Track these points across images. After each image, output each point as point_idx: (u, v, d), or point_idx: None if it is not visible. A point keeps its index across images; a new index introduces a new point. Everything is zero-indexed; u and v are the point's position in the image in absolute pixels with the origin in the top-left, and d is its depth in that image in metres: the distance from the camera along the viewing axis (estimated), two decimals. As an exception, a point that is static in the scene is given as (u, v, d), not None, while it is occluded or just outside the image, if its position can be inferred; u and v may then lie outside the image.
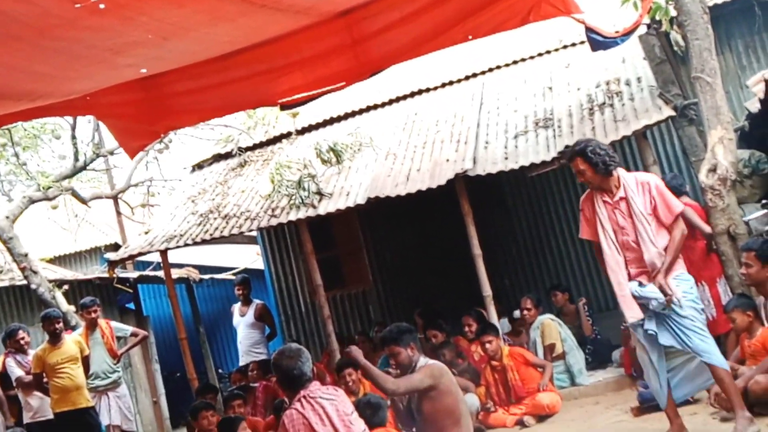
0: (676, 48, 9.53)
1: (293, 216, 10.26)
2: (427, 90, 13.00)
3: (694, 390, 6.31)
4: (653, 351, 5.92)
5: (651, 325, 5.80)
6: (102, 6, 4.11)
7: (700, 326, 5.71)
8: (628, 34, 7.23)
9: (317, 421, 4.81)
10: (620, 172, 6.03)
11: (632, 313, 5.92)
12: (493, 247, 10.82)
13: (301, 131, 13.25)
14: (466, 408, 6.20)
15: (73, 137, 13.90)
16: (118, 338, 10.51)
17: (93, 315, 10.04)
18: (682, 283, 5.79)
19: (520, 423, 8.51)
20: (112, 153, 15.03)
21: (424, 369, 5.86)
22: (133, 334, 10.69)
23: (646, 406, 7.29)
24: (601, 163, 5.91)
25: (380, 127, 12.06)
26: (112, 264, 11.71)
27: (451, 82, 12.89)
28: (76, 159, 13.99)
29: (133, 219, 16.66)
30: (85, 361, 9.46)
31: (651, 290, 5.76)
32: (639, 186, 5.95)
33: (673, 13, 8.68)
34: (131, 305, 14.28)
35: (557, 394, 8.80)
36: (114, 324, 10.54)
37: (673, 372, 6.01)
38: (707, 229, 7.85)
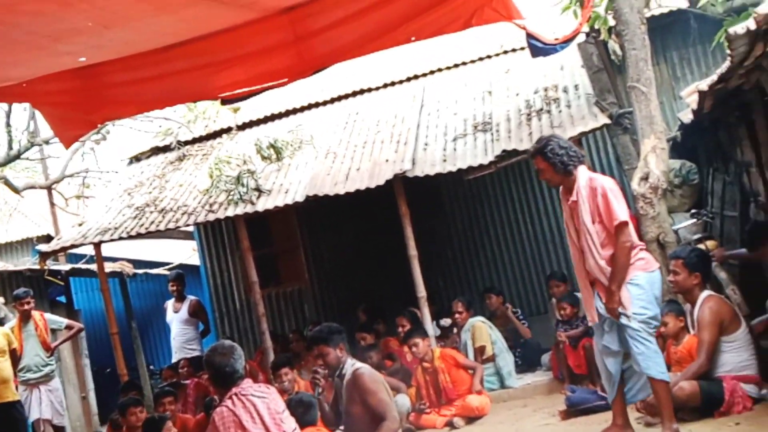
0: (613, 57, 9.73)
1: (231, 212, 10.21)
2: (369, 90, 13.03)
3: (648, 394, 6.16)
4: (607, 354, 6.00)
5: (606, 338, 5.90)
6: (42, -9, 4.07)
7: (644, 336, 5.63)
8: (567, 41, 7.36)
9: (248, 418, 4.81)
10: (579, 172, 5.88)
11: (589, 316, 6.02)
12: (428, 249, 10.88)
13: (242, 127, 13.19)
14: (395, 406, 6.26)
15: (8, 125, 13.66)
16: (53, 331, 10.34)
17: (26, 306, 9.87)
18: (633, 289, 5.66)
19: (450, 424, 8.57)
20: (47, 142, 14.79)
21: (369, 378, 5.91)
22: (68, 327, 10.52)
23: (574, 409, 7.44)
24: (559, 163, 5.85)
25: (321, 126, 12.07)
26: (44, 255, 11.49)
27: (392, 83, 12.94)
28: (10, 147, 13.75)
29: (67, 210, 16.41)
30: (13, 354, 9.30)
31: (600, 305, 5.83)
32: (589, 191, 5.80)
33: (611, 22, 8.86)
34: (62, 298, 14.05)
35: (486, 396, 8.89)
36: (48, 316, 10.38)
37: (630, 371, 6.00)
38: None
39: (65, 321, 10.63)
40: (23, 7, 4.26)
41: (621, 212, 5.67)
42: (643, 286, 5.69)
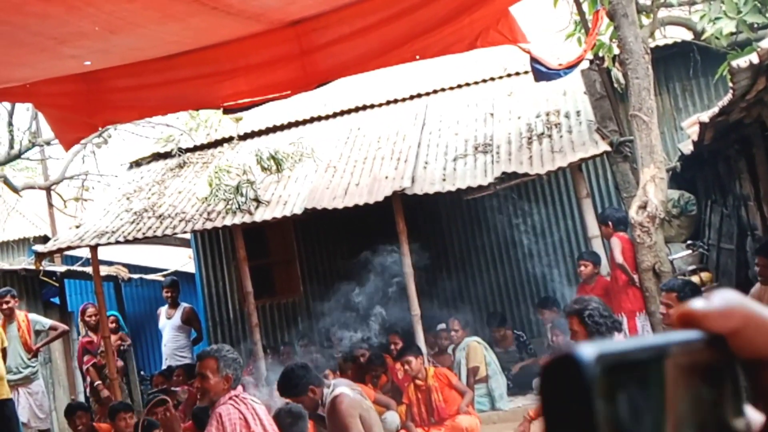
0: (616, 85, 9.77)
1: (229, 221, 10.21)
2: (372, 106, 13.09)
3: None
4: None
5: None
6: (50, -7, 4.09)
7: None
8: (571, 67, 7.42)
9: (251, 419, 4.91)
10: None
11: None
12: (424, 267, 10.88)
13: (243, 137, 13.23)
14: (379, 426, 6.28)
15: (10, 124, 13.68)
16: (37, 332, 10.26)
17: (5, 306, 9.78)
18: None
19: (438, 443, 8.58)
20: (48, 143, 14.82)
21: (344, 410, 5.92)
22: (52, 328, 10.42)
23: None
24: (596, 332, 5.64)
25: (322, 139, 12.10)
26: (40, 256, 11.48)
27: (395, 101, 13.00)
28: (11, 146, 13.77)
29: (65, 212, 16.40)
30: (3, 353, 9.27)
31: None
32: None
33: (616, 51, 8.90)
34: (56, 300, 14.03)
35: (476, 417, 8.89)
36: (32, 317, 10.27)
37: None
38: (619, 259, 8.12)
39: (50, 322, 10.50)
40: (30, 8, 4.29)
41: None
42: None
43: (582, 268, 9.01)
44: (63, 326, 10.74)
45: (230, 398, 4.98)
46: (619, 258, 8.20)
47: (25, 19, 4.50)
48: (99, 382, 10.91)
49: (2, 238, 17.34)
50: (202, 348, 11.75)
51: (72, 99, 7.09)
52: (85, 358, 11.35)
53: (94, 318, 10.97)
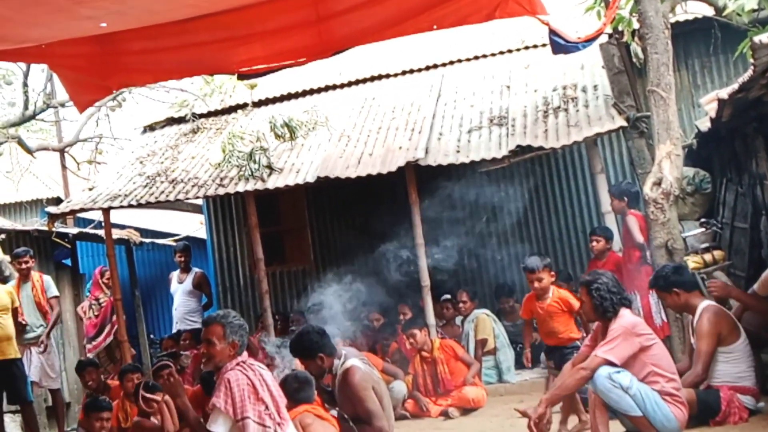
0: (634, 60, 9.67)
1: (241, 187, 10.21)
2: (387, 76, 13.00)
3: None
4: None
5: None
6: (67, -47, 4.06)
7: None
8: (590, 40, 7.32)
9: (258, 385, 4.96)
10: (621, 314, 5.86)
11: None
12: (435, 238, 10.86)
13: (258, 103, 13.19)
14: (388, 397, 6.33)
15: (25, 85, 13.68)
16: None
17: (24, 266, 9.86)
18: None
19: (445, 414, 8.62)
20: (63, 105, 14.81)
21: (357, 383, 5.97)
22: (54, 298, 10.28)
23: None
24: (600, 306, 5.87)
25: (337, 108, 12.05)
26: (52, 217, 11.51)
27: (411, 71, 12.90)
28: (26, 107, 13.78)
29: (78, 174, 16.44)
30: (15, 313, 9.33)
31: None
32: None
33: (635, 25, 8.81)
34: (68, 261, 14.10)
35: (483, 388, 8.92)
36: (46, 279, 10.33)
37: None
38: (640, 238, 8.08)
39: (55, 292, 10.36)
40: (47, -33, 4.26)
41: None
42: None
43: (594, 243, 8.98)
44: (57, 310, 10.55)
45: (237, 364, 5.02)
46: (639, 237, 8.13)
47: (42, -21, 4.48)
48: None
49: (15, 199, 17.41)
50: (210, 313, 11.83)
51: (87, 60, 7.06)
52: (88, 347, 11.47)
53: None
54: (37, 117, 14.47)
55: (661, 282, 6.65)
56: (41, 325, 9.99)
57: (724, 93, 6.72)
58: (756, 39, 5.15)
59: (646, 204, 7.80)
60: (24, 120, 14.03)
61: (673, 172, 7.61)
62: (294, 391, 5.91)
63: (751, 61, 5.50)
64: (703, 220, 9.26)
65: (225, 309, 12.85)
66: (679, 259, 7.49)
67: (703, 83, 11.23)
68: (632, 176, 10.26)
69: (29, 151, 14.46)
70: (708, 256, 8.43)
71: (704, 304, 6.46)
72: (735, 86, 6.29)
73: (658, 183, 7.64)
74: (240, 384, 4.89)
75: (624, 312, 5.84)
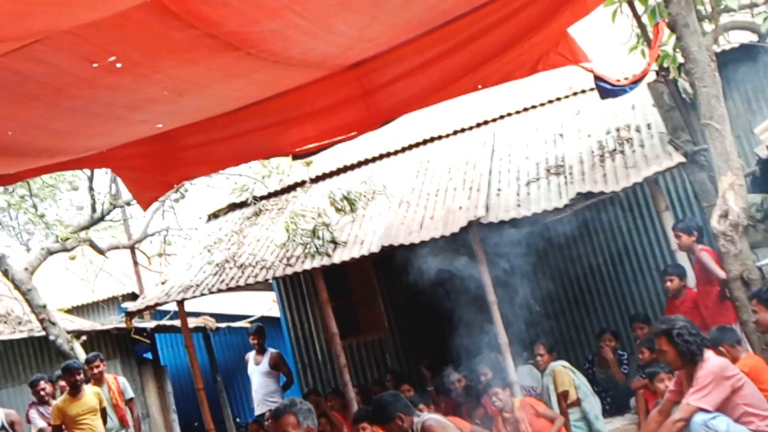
0: (684, 95, 9.60)
1: (308, 265, 10.31)
2: (439, 137, 13.09)
3: None
4: None
5: None
6: (119, 65, 4.22)
7: None
8: (636, 82, 7.32)
9: None
10: (707, 357, 5.73)
11: None
12: (508, 294, 10.79)
13: (315, 179, 13.36)
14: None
15: (91, 188, 14.08)
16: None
17: (95, 370, 9.96)
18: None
19: (537, 472, 8.47)
20: (128, 203, 15.20)
21: (434, 428, 5.90)
22: (131, 401, 10.34)
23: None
24: (687, 352, 5.74)
25: (393, 175, 12.15)
26: (130, 314, 11.77)
27: (462, 130, 12.97)
28: (93, 210, 14.16)
29: (150, 268, 16.77)
30: (104, 413, 9.47)
31: None
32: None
33: (680, 60, 8.77)
34: (149, 355, 14.34)
35: (574, 442, 8.76)
36: (122, 381, 10.41)
37: None
38: (722, 274, 7.85)
39: (131, 394, 10.44)
40: (100, 81, 4.43)
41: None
42: None
43: (668, 283, 8.82)
44: (137, 410, 10.54)
45: None
46: (720, 272, 7.94)
47: (96, 92, 4.65)
48: None
49: (93, 299, 17.81)
50: (294, 392, 11.87)
51: (146, 160, 7.28)
52: None
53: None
54: (105, 218, 14.86)
55: (766, 295, 6.49)
56: (123, 428, 10.05)
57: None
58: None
59: (715, 237, 7.66)
60: (93, 222, 14.41)
61: (738, 202, 7.48)
62: None
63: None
64: (777, 246, 9.05)
65: (309, 386, 12.97)
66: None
67: (759, 108, 11.06)
68: (699, 210, 10.10)
69: (101, 251, 14.82)
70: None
71: (796, 327, 6.31)
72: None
73: (724, 215, 7.51)
74: None
75: (709, 355, 5.71)
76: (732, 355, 6.67)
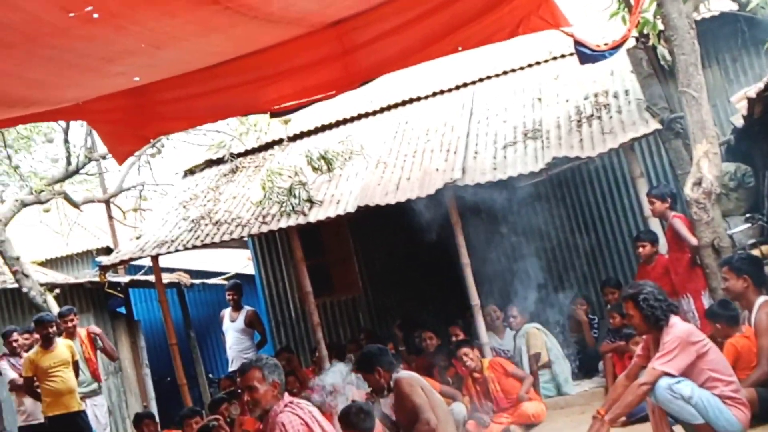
0: (663, 62, 9.63)
1: (284, 223, 10.32)
2: (418, 99, 13.08)
3: None
4: None
5: None
6: (96, 15, 4.17)
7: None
8: (616, 47, 7.30)
9: (311, 422, 4.97)
10: (672, 323, 5.72)
11: None
12: (480, 256, 10.85)
13: (293, 138, 13.32)
14: (452, 420, 6.33)
15: (66, 141, 13.96)
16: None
17: (69, 324, 9.97)
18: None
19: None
20: (104, 157, 15.09)
21: (404, 384, 6.02)
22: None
23: (633, 419, 7.35)
24: (651, 315, 5.74)
25: (371, 136, 12.14)
26: (104, 269, 11.75)
27: (441, 92, 12.97)
28: (69, 162, 14.06)
29: (125, 223, 16.71)
30: (75, 367, 9.48)
31: None
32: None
33: (660, 27, 8.78)
34: (122, 309, 14.32)
35: (542, 403, 8.87)
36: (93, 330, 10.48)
37: None
38: (693, 241, 7.94)
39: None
40: (77, 31, 4.36)
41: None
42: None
43: (641, 248, 8.91)
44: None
45: (286, 405, 5.03)
46: (692, 239, 8.00)
47: (72, 42, 4.58)
48: None
49: (66, 252, 17.73)
50: (267, 350, 11.92)
51: (122, 113, 7.19)
52: None
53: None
54: (80, 171, 14.76)
55: (737, 263, 6.57)
56: (95, 380, 10.10)
57: (752, 92, 6.69)
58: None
59: (688, 205, 7.74)
60: (68, 175, 14.31)
61: (712, 170, 7.56)
62: (355, 421, 5.96)
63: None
64: (748, 215, 9.14)
65: (282, 344, 13.03)
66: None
67: (736, 77, 11.11)
68: (673, 178, 10.17)
69: (75, 204, 14.74)
70: (756, 252, 8.32)
71: (761, 300, 6.41)
72: (761, 85, 6.26)
73: (698, 183, 7.59)
74: (294, 425, 4.90)
75: (675, 320, 5.77)
76: (726, 333, 6.74)
